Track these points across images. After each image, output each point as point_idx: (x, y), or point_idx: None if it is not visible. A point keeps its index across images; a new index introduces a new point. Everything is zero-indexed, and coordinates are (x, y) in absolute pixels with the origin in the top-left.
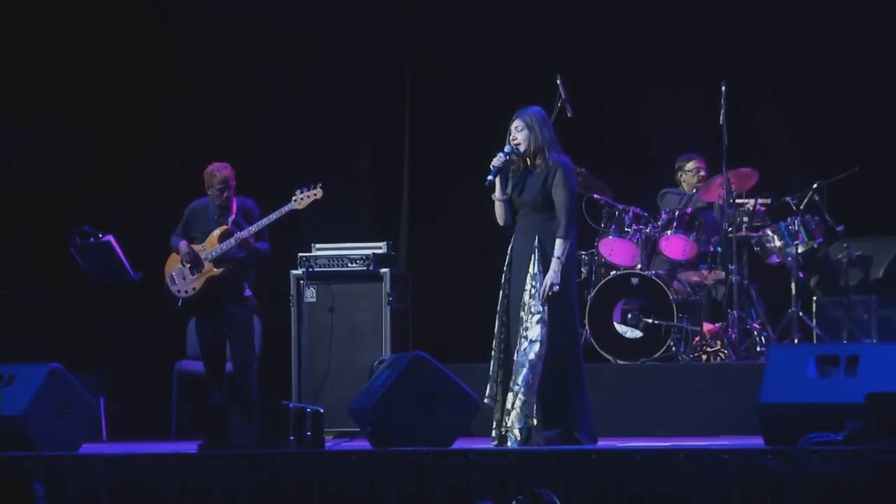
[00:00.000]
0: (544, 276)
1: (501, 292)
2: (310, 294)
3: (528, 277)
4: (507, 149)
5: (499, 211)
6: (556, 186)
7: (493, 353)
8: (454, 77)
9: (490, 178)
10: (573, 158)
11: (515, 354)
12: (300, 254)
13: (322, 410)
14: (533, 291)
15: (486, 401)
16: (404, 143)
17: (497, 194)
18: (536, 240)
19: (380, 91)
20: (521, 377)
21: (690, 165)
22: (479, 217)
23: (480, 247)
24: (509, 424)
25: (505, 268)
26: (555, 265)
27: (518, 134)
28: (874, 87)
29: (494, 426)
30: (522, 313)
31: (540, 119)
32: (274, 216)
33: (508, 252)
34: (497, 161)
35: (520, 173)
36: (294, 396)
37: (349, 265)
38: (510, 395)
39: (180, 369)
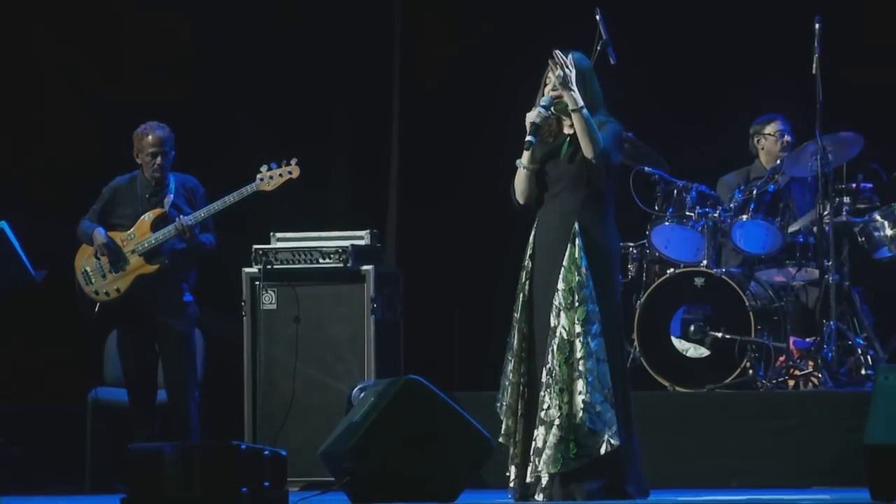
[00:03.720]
0: (592, 271)
1: (521, 296)
2: (268, 299)
3: (564, 272)
4: (544, 101)
5: (522, 184)
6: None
7: (509, 375)
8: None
9: (531, 138)
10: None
11: (545, 375)
12: (256, 246)
13: (284, 454)
14: (573, 286)
15: (500, 440)
16: (392, 104)
17: (525, 160)
18: (577, 225)
19: (362, 41)
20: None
21: (771, 128)
22: (491, 199)
23: (494, 238)
24: (539, 468)
25: (525, 263)
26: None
27: (558, 91)
28: None
29: (513, 474)
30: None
31: (586, 68)
32: (232, 198)
33: (530, 243)
34: (535, 117)
35: (550, 139)
36: (248, 435)
37: (320, 261)
38: (541, 430)
39: (96, 399)
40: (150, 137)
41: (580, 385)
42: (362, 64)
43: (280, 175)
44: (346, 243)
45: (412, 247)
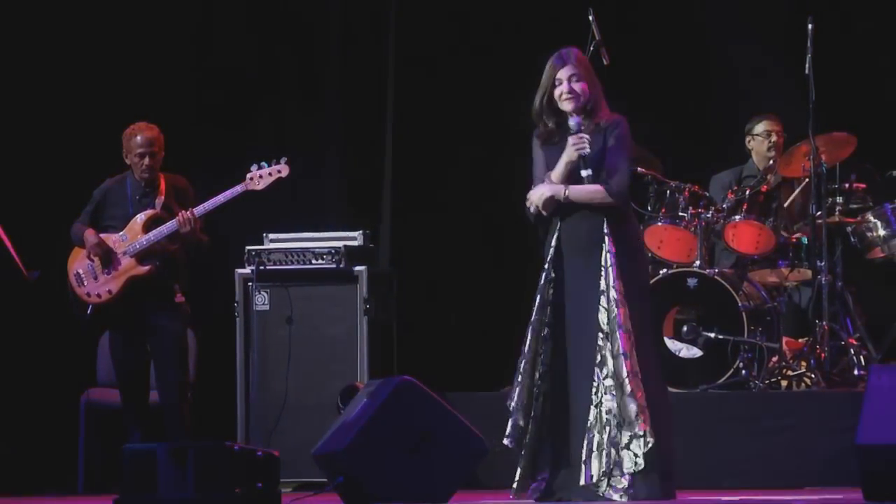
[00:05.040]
0: (624, 271)
1: (539, 297)
2: (261, 300)
3: (604, 274)
4: (573, 122)
5: (554, 204)
6: (613, 145)
7: (519, 377)
8: (447, 19)
9: (589, 172)
10: None
11: (596, 377)
12: (248, 247)
13: (277, 455)
14: (607, 289)
15: (505, 441)
16: (387, 97)
17: (560, 186)
18: (605, 224)
19: (355, 25)
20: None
21: (760, 128)
22: (488, 199)
23: (489, 238)
24: (601, 471)
25: (547, 265)
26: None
27: (575, 86)
28: None
29: (518, 476)
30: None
31: (589, 65)
32: (223, 198)
33: (552, 244)
34: (583, 149)
35: (555, 137)
36: (240, 436)
37: (313, 262)
38: (595, 433)
39: (89, 400)
40: (138, 138)
41: (628, 385)
42: (357, 60)
43: (270, 174)
44: (339, 244)
45: (405, 247)
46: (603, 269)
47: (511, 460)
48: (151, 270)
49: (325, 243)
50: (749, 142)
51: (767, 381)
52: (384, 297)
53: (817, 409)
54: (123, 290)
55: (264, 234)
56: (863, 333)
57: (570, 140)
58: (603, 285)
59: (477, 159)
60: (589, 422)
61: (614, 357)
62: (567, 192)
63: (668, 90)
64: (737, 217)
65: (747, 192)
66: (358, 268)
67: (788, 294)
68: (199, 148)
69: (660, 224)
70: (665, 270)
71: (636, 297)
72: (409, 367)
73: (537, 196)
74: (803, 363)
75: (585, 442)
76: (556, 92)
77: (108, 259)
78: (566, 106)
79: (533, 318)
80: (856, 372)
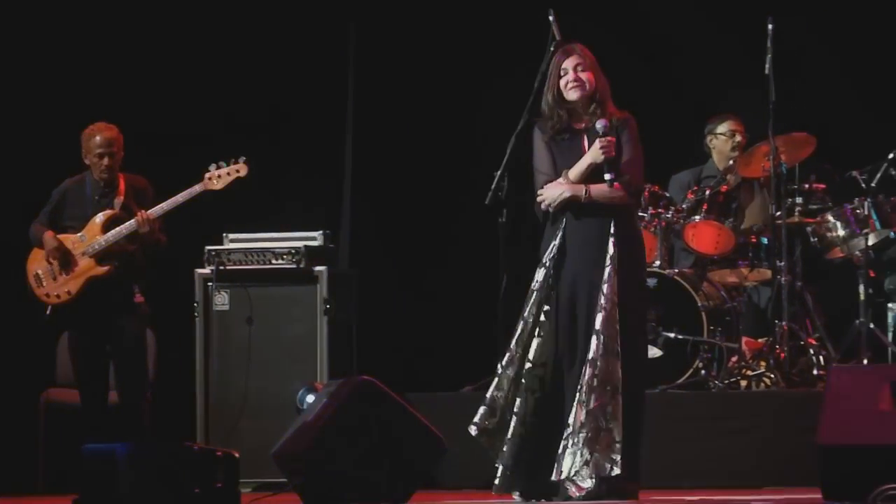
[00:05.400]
0: (624, 274)
1: (536, 294)
2: (221, 300)
3: (608, 272)
4: (600, 125)
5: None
6: (627, 143)
7: (507, 369)
8: (408, 22)
9: (610, 176)
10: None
11: (587, 377)
12: (208, 247)
13: (237, 455)
14: (616, 285)
15: (471, 429)
16: (347, 104)
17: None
18: (612, 225)
19: (317, 40)
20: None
21: (723, 128)
22: (448, 198)
23: (447, 239)
24: (567, 473)
25: (547, 262)
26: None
27: (581, 74)
28: None
29: (500, 472)
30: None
31: (594, 58)
32: (181, 198)
33: (556, 242)
34: (609, 151)
35: (564, 132)
36: (200, 436)
37: (273, 262)
38: (568, 432)
39: (48, 400)
40: (97, 138)
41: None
42: (316, 62)
43: (228, 173)
44: (300, 244)
45: (366, 247)
46: (605, 270)
47: (472, 460)
48: (110, 271)
49: (285, 243)
50: (711, 141)
51: (727, 381)
52: (344, 297)
53: (777, 410)
54: (82, 291)
55: (224, 235)
56: (822, 333)
57: (598, 143)
58: (605, 288)
59: (437, 159)
60: (570, 419)
61: (602, 358)
62: (587, 193)
63: (627, 91)
64: (696, 217)
65: (707, 193)
66: (318, 268)
67: (748, 294)
68: (160, 147)
69: None
70: None
71: (635, 299)
72: (369, 367)
73: (557, 195)
74: (763, 363)
75: (562, 439)
76: (562, 82)
77: (66, 260)
78: (572, 95)
79: (526, 312)
80: (815, 372)
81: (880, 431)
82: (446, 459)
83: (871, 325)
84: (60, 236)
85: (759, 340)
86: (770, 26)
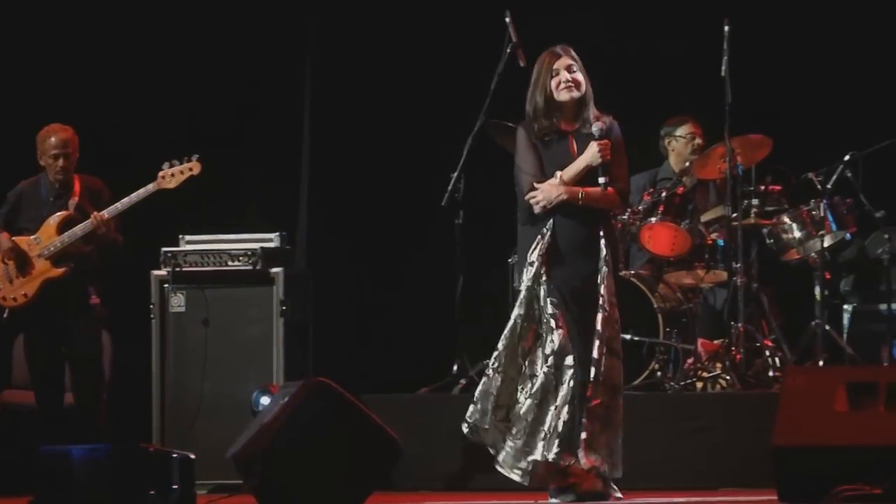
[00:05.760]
0: (612, 275)
1: (525, 293)
2: (177, 302)
3: (603, 274)
4: (596, 128)
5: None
6: (616, 148)
7: (499, 368)
8: (365, 25)
9: (604, 179)
10: (521, 121)
11: (593, 372)
12: (164, 248)
13: (193, 456)
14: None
15: (463, 427)
16: (304, 98)
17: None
18: (602, 227)
19: (275, 41)
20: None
21: (683, 130)
22: (404, 200)
23: (403, 240)
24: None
25: (536, 263)
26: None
27: (574, 75)
28: None
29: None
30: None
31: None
32: (135, 198)
33: (546, 240)
34: (606, 154)
35: (551, 134)
36: (156, 437)
37: (230, 263)
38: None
39: (4, 402)
40: (52, 140)
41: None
42: (274, 63)
43: (181, 172)
44: (256, 245)
45: (322, 249)
46: (602, 271)
47: (428, 462)
48: (66, 272)
49: (241, 245)
50: (669, 143)
51: (683, 383)
52: (300, 298)
53: (733, 411)
54: (39, 293)
55: (180, 236)
56: (778, 335)
57: (596, 146)
58: (603, 289)
59: (394, 160)
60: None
61: (606, 357)
62: (582, 195)
63: None
64: (653, 219)
65: (663, 194)
66: (274, 269)
67: (704, 295)
68: (116, 148)
69: None
70: None
71: (616, 299)
72: (325, 368)
73: (554, 197)
74: (719, 365)
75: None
76: (554, 82)
77: (22, 262)
78: (564, 96)
79: (516, 313)
80: (771, 373)
81: (836, 432)
82: (402, 461)
83: (827, 327)
84: (16, 238)
85: (715, 342)
86: (726, 28)
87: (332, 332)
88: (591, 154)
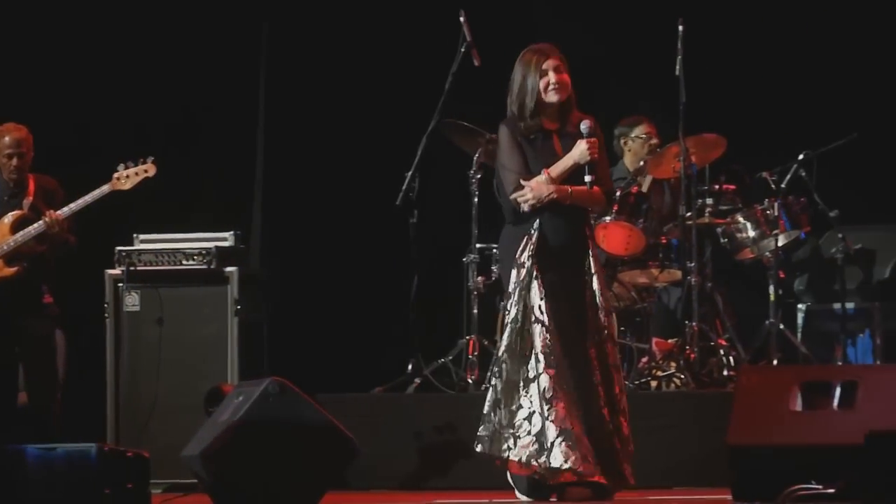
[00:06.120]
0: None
1: (518, 294)
2: (131, 301)
3: (597, 276)
4: (584, 128)
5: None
6: (601, 150)
7: (504, 375)
8: (319, 24)
9: (591, 178)
10: (476, 121)
11: (599, 371)
12: (118, 248)
13: (147, 456)
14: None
15: (479, 447)
16: (258, 98)
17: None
18: (586, 226)
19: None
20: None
21: (639, 131)
22: (358, 199)
23: (357, 239)
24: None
25: (528, 263)
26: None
27: (563, 77)
28: (881, 24)
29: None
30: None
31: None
32: (90, 198)
33: (535, 240)
34: (595, 152)
35: (536, 132)
36: (110, 437)
37: (184, 262)
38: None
39: None
40: (6, 139)
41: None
42: (228, 61)
43: (136, 174)
44: (210, 244)
45: (276, 248)
46: (593, 270)
47: (383, 462)
48: (19, 272)
49: (195, 244)
50: (625, 143)
51: (637, 382)
52: (255, 297)
53: (687, 410)
54: None
55: (134, 235)
56: (732, 334)
57: (585, 143)
58: (595, 284)
59: (348, 159)
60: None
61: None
62: (571, 193)
63: None
64: (607, 218)
65: (618, 194)
66: (229, 269)
67: (658, 295)
68: (71, 148)
69: None
70: None
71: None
72: (280, 367)
73: (544, 195)
74: (673, 364)
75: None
76: (543, 83)
77: None
78: (553, 97)
79: (511, 317)
80: (725, 372)
81: (790, 432)
82: (357, 461)
83: (781, 326)
84: None
85: (670, 341)
86: (680, 28)
87: (287, 331)
88: (580, 152)
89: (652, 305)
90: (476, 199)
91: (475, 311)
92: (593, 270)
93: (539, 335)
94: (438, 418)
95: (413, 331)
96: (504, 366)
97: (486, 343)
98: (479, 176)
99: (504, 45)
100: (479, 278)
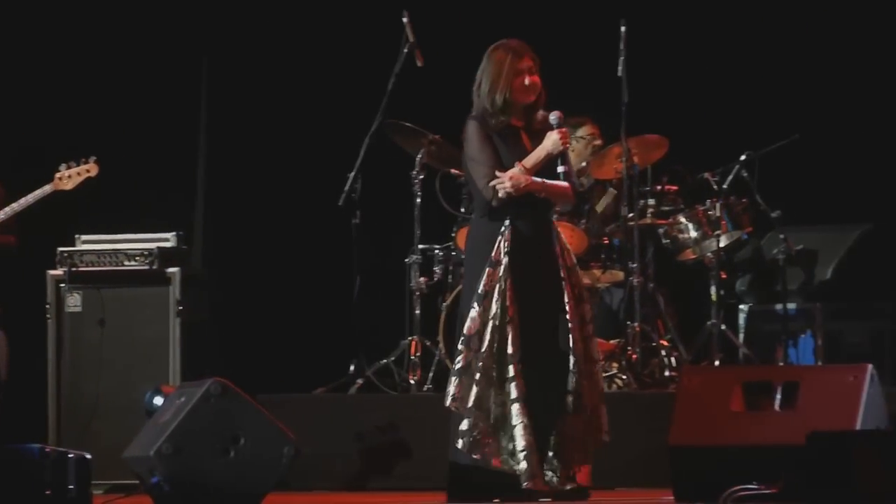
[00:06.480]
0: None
1: (496, 288)
2: (73, 302)
3: (568, 270)
4: (554, 120)
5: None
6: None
7: (476, 374)
8: (262, 22)
9: (563, 168)
10: (419, 122)
11: (572, 370)
12: (60, 248)
13: (89, 457)
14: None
15: (459, 443)
16: (200, 97)
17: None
18: (559, 239)
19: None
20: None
21: (583, 131)
22: (301, 198)
23: (300, 239)
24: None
25: (504, 257)
26: None
27: (537, 77)
28: (823, 25)
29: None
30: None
31: None
32: (31, 199)
33: (508, 236)
34: (567, 143)
35: (507, 133)
36: (52, 438)
37: (126, 263)
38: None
39: None
40: None
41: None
42: (170, 61)
43: (78, 174)
44: (152, 245)
45: (219, 249)
46: (564, 265)
47: (324, 462)
48: None
49: (137, 245)
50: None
51: None
52: (197, 298)
53: (629, 411)
54: None
55: (76, 236)
56: (674, 335)
57: (555, 135)
58: (573, 277)
59: (291, 160)
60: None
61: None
62: (545, 186)
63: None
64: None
65: None
66: (171, 269)
67: (600, 295)
68: (9, 148)
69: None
70: None
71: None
72: (222, 368)
73: (522, 186)
74: (615, 364)
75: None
76: (517, 82)
77: None
78: (526, 98)
79: (491, 313)
80: (667, 373)
81: (731, 432)
82: (299, 461)
83: (723, 327)
84: None
85: (612, 342)
86: (623, 28)
87: (230, 332)
88: (552, 142)
89: (594, 306)
90: (418, 200)
91: (417, 311)
92: (568, 263)
93: (512, 335)
94: (380, 419)
95: (355, 331)
96: (481, 364)
97: (428, 344)
98: (421, 177)
99: (447, 46)
100: (422, 279)
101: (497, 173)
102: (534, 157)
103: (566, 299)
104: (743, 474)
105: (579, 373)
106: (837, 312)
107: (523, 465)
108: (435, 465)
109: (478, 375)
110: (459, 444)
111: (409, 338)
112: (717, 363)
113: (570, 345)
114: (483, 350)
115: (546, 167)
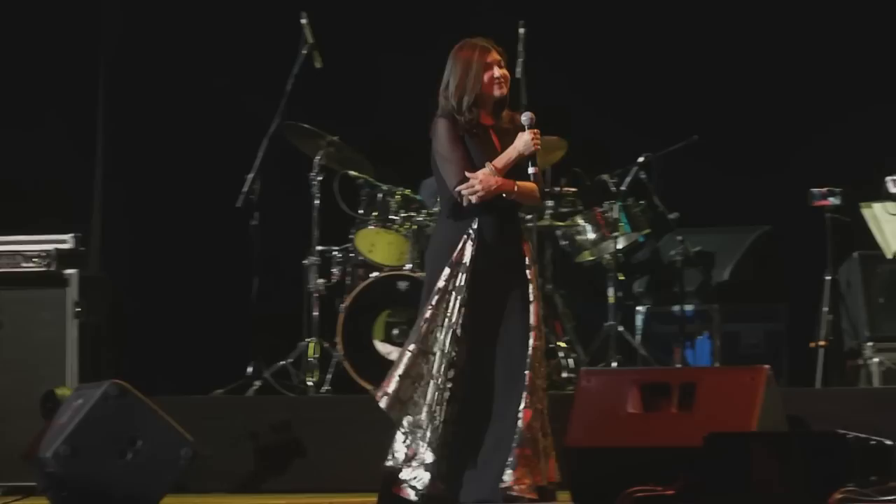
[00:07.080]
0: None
1: (457, 296)
2: None
3: (532, 270)
4: (525, 118)
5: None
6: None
7: (425, 380)
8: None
9: (534, 169)
10: (318, 124)
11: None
12: None
13: None
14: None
15: (391, 461)
16: (98, 96)
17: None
18: (523, 239)
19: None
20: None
21: None
22: (203, 198)
23: (199, 241)
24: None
25: (467, 262)
26: None
27: (505, 71)
28: (721, 27)
29: (430, 480)
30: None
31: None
32: None
33: (473, 240)
34: (533, 145)
35: (475, 129)
36: None
37: (23, 264)
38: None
39: None
40: None
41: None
42: (66, 57)
43: None
44: (50, 247)
45: (117, 250)
46: (528, 269)
47: (221, 464)
48: None
49: (34, 246)
50: None
51: None
52: (95, 300)
53: None
54: None
55: None
56: (572, 336)
57: (527, 135)
58: (531, 287)
59: (188, 161)
60: (518, 426)
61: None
62: (517, 187)
63: (383, 93)
64: None
65: None
66: (68, 271)
67: None
68: None
69: (371, 227)
70: (376, 273)
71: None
72: (120, 370)
73: (493, 187)
74: None
75: (514, 445)
76: (487, 76)
77: None
78: (497, 91)
79: (449, 319)
80: (564, 375)
81: (629, 434)
82: (196, 463)
83: (621, 328)
84: None
85: None
86: (521, 31)
87: (127, 333)
88: (524, 143)
89: None
90: (317, 202)
91: (315, 313)
92: (536, 266)
93: (462, 337)
94: (278, 421)
95: (253, 333)
96: (426, 367)
97: (326, 345)
98: (320, 178)
99: (345, 48)
100: (320, 281)
101: (468, 174)
102: (505, 157)
103: (531, 299)
104: (641, 476)
105: (534, 371)
106: (734, 314)
107: (426, 476)
108: (332, 467)
109: (422, 379)
110: (390, 460)
111: (307, 339)
112: (614, 365)
113: (531, 343)
114: (433, 352)
115: (515, 167)
